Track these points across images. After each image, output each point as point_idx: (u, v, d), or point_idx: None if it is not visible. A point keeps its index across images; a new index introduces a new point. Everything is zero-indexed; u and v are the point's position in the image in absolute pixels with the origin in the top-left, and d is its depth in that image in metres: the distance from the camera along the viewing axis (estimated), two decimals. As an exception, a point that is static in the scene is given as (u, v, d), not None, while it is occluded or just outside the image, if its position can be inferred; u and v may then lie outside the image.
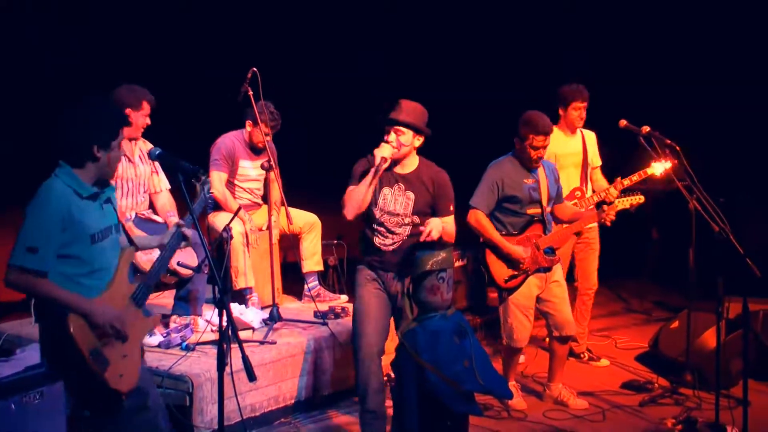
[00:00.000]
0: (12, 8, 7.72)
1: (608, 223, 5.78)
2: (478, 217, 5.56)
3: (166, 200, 5.96)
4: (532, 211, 5.65)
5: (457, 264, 7.42)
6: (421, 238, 4.58)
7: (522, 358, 6.30)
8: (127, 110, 5.48)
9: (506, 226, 5.64)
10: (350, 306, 6.41)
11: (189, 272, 5.67)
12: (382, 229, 4.87)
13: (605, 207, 5.81)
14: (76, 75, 7.75)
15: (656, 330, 6.92)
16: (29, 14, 8.05)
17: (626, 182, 6.16)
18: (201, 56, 8.58)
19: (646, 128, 5.68)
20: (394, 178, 4.87)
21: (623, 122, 5.93)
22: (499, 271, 5.62)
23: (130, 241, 3.99)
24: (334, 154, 9.85)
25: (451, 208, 4.92)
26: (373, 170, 4.74)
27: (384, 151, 4.75)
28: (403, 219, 4.86)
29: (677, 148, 5.55)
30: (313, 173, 9.26)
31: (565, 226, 5.84)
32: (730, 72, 9.21)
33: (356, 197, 4.77)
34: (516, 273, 5.61)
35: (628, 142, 6.09)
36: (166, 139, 5.64)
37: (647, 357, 6.93)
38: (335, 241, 7.37)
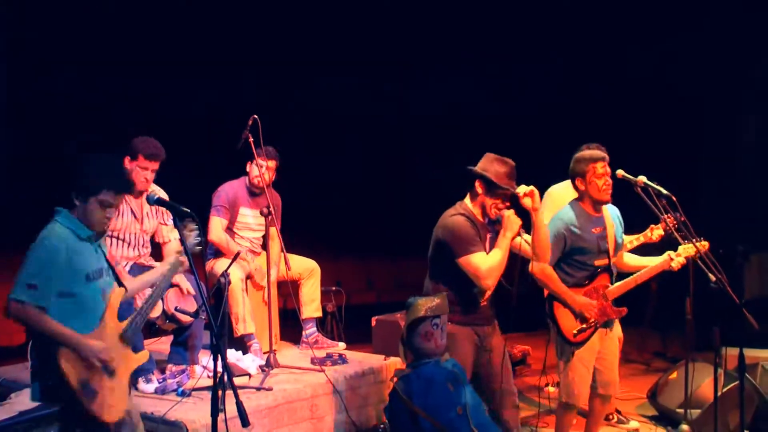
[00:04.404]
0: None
1: (675, 269, 5.54)
2: (543, 269, 5.22)
3: (171, 249, 5.98)
4: (600, 262, 5.38)
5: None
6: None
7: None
8: (126, 158, 5.59)
9: (572, 277, 5.35)
10: (348, 353, 6.45)
11: (188, 318, 5.67)
12: None
13: (671, 254, 5.53)
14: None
15: (655, 380, 6.89)
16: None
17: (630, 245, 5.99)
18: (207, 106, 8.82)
19: (642, 178, 5.60)
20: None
21: (620, 173, 5.80)
22: (568, 324, 5.30)
23: (120, 283, 4.17)
24: (334, 200, 9.97)
25: None
26: (511, 235, 4.84)
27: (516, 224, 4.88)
28: None
29: (673, 198, 5.50)
30: (313, 219, 9.32)
31: (635, 275, 5.53)
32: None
33: (501, 269, 4.84)
34: (584, 326, 5.30)
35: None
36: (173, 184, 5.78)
37: (646, 407, 6.89)
38: (334, 288, 7.39)
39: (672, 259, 5.52)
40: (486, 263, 4.77)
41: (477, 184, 4.93)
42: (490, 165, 4.91)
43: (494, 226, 5.00)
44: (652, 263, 5.62)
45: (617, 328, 6.04)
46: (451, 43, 10.82)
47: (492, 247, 4.93)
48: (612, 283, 5.45)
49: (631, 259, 5.77)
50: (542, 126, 10.38)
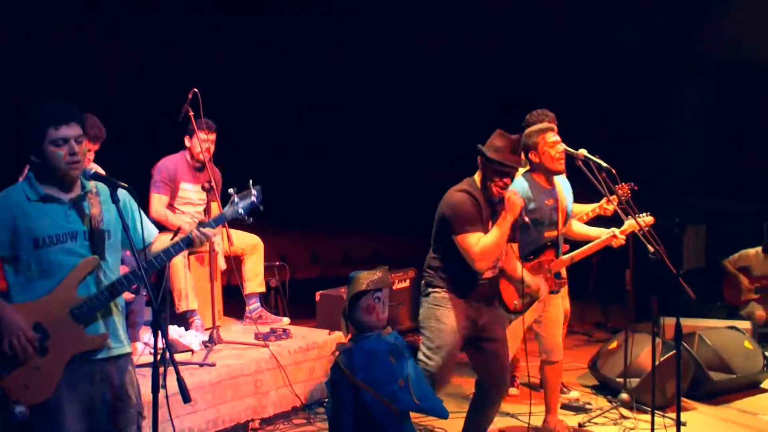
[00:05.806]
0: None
1: (615, 246, 5.63)
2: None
3: None
4: (549, 233, 5.44)
5: (402, 285, 7.47)
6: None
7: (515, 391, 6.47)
8: None
9: (522, 249, 5.23)
10: (292, 328, 6.44)
11: (129, 295, 5.60)
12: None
13: (615, 230, 5.61)
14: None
15: (596, 351, 7.01)
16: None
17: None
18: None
19: (583, 152, 5.68)
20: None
21: (561, 146, 5.87)
22: (510, 296, 5.26)
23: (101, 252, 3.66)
24: (278, 174, 9.90)
25: None
26: (512, 218, 4.71)
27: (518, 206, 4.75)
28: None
29: (613, 171, 5.59)
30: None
31: (579, 250, 5.60)
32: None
33: (497, 251, 4.75)
34: (525, 300, 5.26)
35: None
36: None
37: (587, 377, 7.01)
38: (277, 263, 7.34)
39: (616, 237, 5.59)
40: (479, 245, 4.65)
41: (479, 159, 4.79)
42: (491, 140, 4.77)
43: (496, 207, 4.83)
44: (597, 233, 5.72)
45: (564, 301, 6.15)
46: (444, 36, 10.79)
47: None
48: (556, 257, 5.50)
49: (579, 228, 5.88)
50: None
